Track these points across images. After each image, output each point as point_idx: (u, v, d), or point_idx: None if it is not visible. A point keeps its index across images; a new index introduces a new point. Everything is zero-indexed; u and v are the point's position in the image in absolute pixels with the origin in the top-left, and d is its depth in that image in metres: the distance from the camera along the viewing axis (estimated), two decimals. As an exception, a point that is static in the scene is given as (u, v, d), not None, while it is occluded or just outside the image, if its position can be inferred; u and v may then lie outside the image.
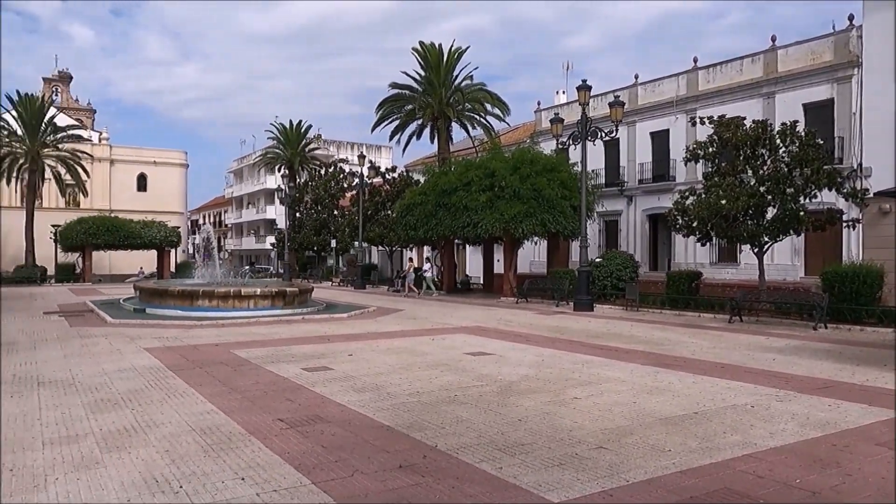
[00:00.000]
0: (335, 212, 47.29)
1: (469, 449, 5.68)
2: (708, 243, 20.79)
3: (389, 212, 37.89)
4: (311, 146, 53.20)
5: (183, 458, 5.42)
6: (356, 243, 38.05)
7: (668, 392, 8.13)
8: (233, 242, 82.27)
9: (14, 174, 43.95)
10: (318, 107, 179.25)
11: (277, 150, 51.97)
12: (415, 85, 33.94)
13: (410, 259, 35.77)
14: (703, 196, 19.18)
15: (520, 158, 25.64)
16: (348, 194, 46.69)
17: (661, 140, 32.17)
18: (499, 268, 31.03)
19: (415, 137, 35.33)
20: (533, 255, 37.06)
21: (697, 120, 20.46)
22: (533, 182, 24.37)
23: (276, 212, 64.03)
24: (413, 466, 5.19)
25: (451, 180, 26.34)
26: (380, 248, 43.73)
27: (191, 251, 67.49)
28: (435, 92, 32.69)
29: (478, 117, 33.78)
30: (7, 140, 42.69)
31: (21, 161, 43.64)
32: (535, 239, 28.06)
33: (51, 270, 43.53)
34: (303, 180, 50.63)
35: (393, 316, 18.93)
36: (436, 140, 34.18)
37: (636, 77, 33.84)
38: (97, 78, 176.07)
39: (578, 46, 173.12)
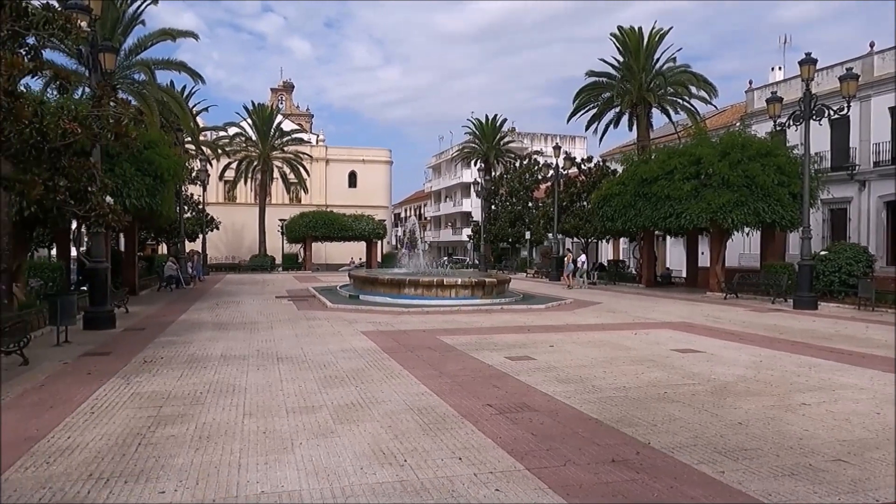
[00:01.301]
0: (529, 203, 47.57)
1: (685, 449, 5.44)
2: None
3: (585, 203, 37.23)
4: (506, 139, 53.98)
5: (404, 434, 5.83)
6: (550, 235, 37.93)
7: (921, 404, 7.10)
8: (431, 234, 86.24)
9: (249, 175, 50.34)
10: (511, 101, 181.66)
11: (473, 145, 53.44)
12: (612, 72, 32.88)
13: (568, 250, 35.47)
14: (962, 179, 16.41)
15: (729, 143, 23.73)
16: (543, 186, 46.68)
17: (903, 116, 27.98)
18: (703, 261, 29.11)
19: (612, 126, 34.28)
20: (743, 248, 34.20)
21: (954, 90, 17.49)
22: (745, 168, 22.48)
23: (472, 204, 65.96)
24: (626, 462, 5.09)
25: (652, 169, 25.17)
26: (575, 239, 43.18)
27: (394, 243, 72.09)
28: (634, 77, 31.45)
29: (681, 101, 31.89)
30: (244, 145, 48.91)
31: (255, 163, 49.83)
32: (747, 230, 25.87)
33: (278, 259, 49.19)
34: (498, 173, 51.59)
35: (591, 308, 18.64)
36: (634, 127, 32.91)
37: (871, 45, 29.68)
38: (312, 85, 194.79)
39: (792, 18, 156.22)
